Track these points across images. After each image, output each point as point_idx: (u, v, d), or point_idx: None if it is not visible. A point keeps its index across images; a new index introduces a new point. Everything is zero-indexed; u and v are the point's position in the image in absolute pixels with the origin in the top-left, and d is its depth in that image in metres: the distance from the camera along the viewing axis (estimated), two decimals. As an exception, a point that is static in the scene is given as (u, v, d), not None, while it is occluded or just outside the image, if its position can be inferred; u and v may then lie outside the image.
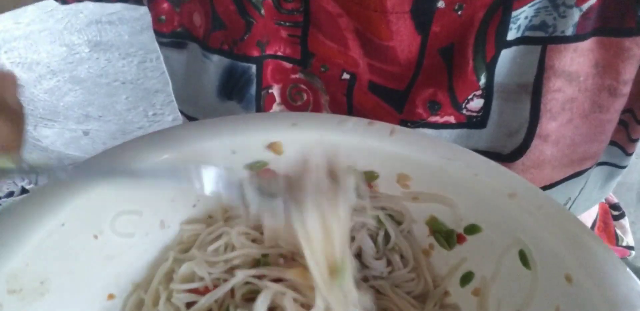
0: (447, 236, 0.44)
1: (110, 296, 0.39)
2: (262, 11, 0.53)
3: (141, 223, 0.40)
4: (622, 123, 0.56)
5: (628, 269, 0.33)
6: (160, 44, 0.61)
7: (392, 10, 0.48)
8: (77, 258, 0.36)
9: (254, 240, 0.42)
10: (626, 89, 0.50)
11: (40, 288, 0.34)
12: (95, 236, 0.37)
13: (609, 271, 0.33)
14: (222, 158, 0.43)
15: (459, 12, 0.48)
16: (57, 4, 0.64)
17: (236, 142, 0.43)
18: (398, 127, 0.44)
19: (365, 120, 0.45)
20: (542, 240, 0.37)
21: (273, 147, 0.43)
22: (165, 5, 0.57)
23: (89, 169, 0.36)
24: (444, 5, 0.48)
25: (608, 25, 0.47)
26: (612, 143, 0.58)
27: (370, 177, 0.45)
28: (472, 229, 0.42)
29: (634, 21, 0.46)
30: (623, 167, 0.61)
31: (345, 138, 0.43)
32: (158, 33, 0.59)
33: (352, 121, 0.45)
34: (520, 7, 0.47)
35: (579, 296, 0.34)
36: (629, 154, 0.59)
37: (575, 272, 0.34)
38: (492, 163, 0.42)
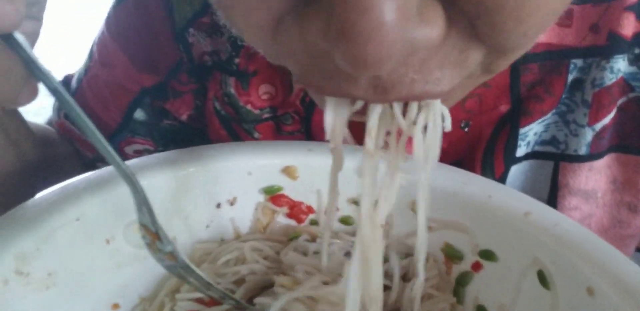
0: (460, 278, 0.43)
1: (115, 306, 0.38)
2: (256, 135, 0.54)
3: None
4: None
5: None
6: None
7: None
8: (86, 260, 0.36)
9: (265, 258, 0.41)
10: None
11: (47, 280, 0.33)
12: (107, 241, 0.37)
13: (630, 278, 0.32)
14: (238, 178, 0.44)
15: (466, 129, 0.49)
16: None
17: (252, 163, 0.44)
18: (411, 156, 0.45)
19: (380, 151, 0.46)
20: (560, 256, 0.36)
21: (288, 171, 0.44)
22: None
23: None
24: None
25: (626, 142, 0.46)
26: None
27: (384, 207, 0.45)
28: (488, 254, 0.41)
29: None
30: None
31: (361, 165, 0.44)
32: None
33: (367, 150, 0.46)
34: (529, 124, 0.47)
35: (602, 307, 0.32)
36: None
37: (596, 283, 0.33)
38: (504, 186, 0.42)
